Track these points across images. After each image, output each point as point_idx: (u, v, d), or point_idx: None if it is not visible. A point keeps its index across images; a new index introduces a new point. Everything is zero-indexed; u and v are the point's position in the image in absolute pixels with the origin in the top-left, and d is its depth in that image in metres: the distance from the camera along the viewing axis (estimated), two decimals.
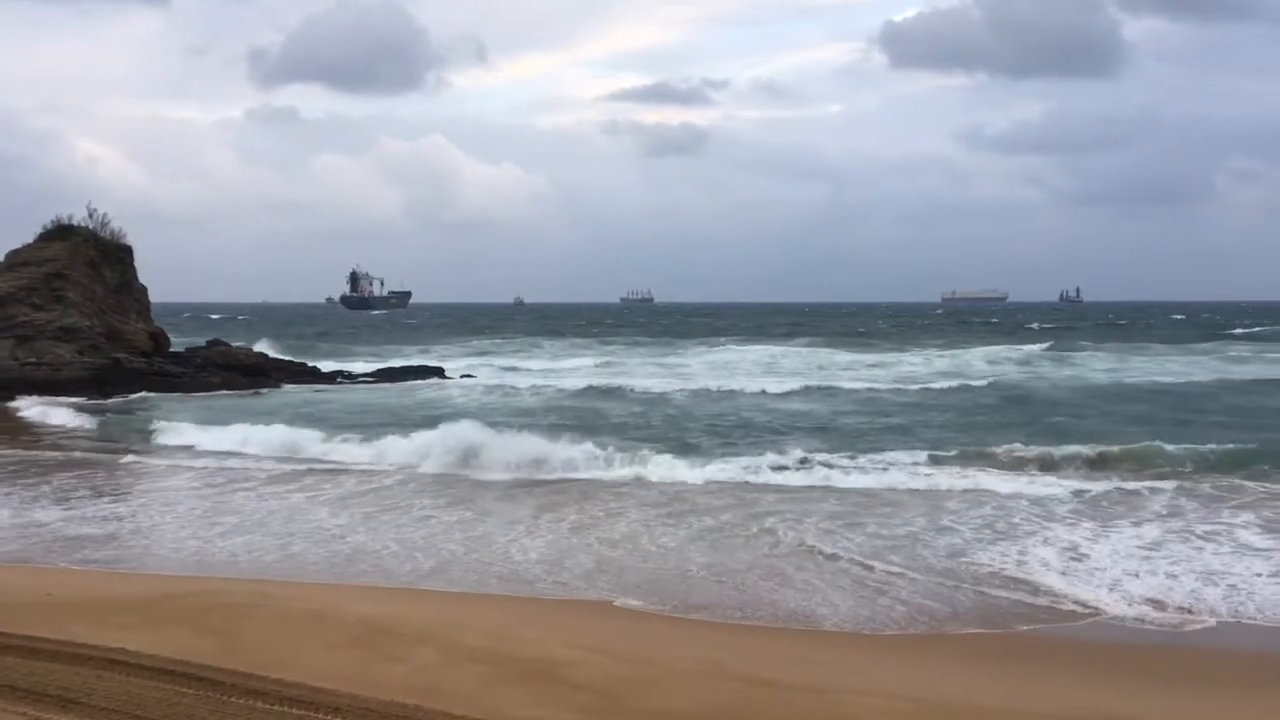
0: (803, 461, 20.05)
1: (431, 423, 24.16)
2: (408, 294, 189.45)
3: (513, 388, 37.06)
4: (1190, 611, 11.08)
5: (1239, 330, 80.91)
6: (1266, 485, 17.65)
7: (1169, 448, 20.48)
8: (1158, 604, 11.34)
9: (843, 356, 52.94)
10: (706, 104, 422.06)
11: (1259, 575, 12.32)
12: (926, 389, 35.46)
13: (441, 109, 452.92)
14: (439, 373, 43.10)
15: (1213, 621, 10.82)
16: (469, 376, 42.33)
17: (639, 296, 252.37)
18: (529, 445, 20.81)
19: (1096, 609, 11.29)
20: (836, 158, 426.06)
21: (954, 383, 37.54)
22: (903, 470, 19.36)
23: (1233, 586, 11.89)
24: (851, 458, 20.42)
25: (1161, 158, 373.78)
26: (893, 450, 21.40)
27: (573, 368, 47.38)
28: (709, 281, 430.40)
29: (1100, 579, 12.27)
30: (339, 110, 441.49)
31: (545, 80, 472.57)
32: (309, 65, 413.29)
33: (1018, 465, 19.84)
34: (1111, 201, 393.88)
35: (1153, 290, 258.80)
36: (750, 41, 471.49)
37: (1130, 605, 11.35)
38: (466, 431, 21.59)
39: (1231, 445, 20.90)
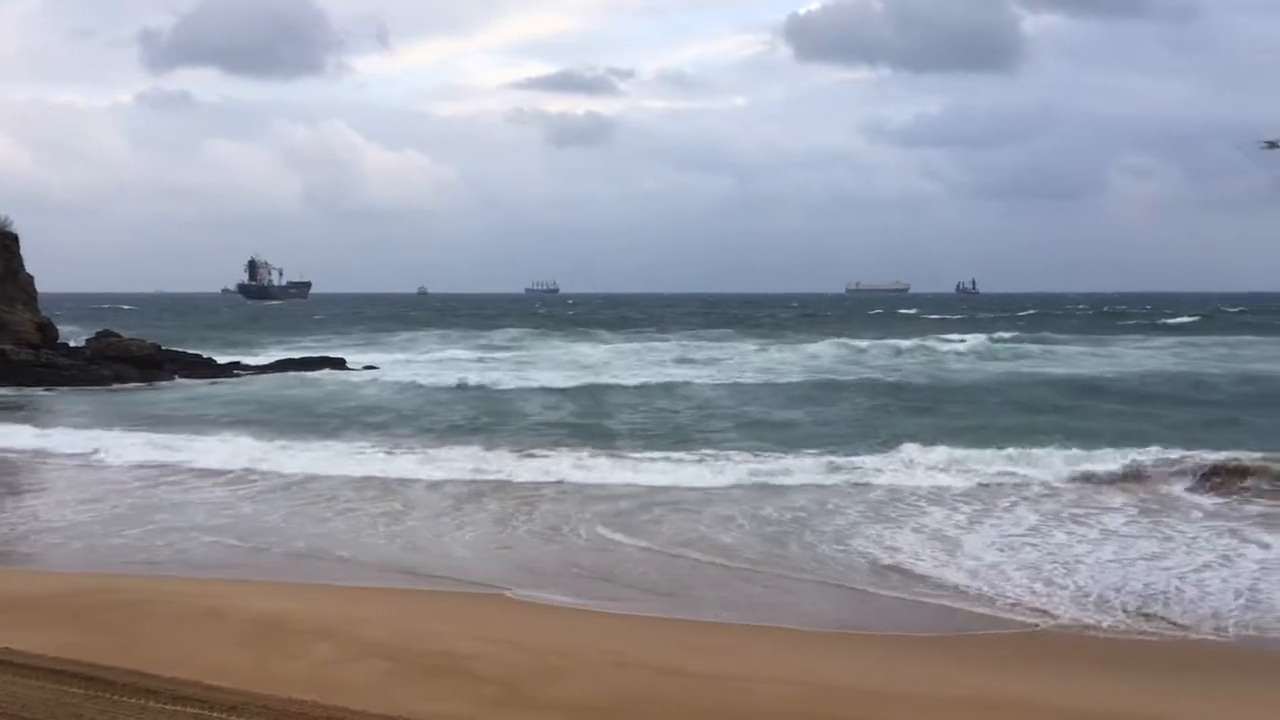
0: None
1: (319, 421, 23.77)
2: (308, 284, 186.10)
3: (413, 383, 36.27)
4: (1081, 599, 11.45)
5: (1171, 321, 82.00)
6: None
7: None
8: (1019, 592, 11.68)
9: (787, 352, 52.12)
10: (613, 94, 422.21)
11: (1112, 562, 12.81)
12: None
13: (342, 94, 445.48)
14: (340, 364, 42.49)
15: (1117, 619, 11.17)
16: (372, 368, 41.81)
17: (545, 287, 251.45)
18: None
19: (991, 599, 11.60)
20: (743, 149, 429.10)
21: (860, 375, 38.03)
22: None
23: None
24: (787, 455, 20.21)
25: (1057, 153, 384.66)
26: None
27: (469, 358, 46.91)
28: (615, 272, 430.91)
29: (974, 567, 12.56)
30: (235, 95, 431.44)
31: (448, 66, 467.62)
32: (203, 48, 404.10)
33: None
34: (1008, 195, 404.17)
35: (1045, 282, 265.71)
36: (656, 31, 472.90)
37: (1003, 593, 11.65)
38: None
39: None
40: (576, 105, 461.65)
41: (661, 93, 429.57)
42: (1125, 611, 10.89)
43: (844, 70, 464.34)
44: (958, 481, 17.55)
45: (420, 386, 33.60)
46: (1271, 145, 21.60)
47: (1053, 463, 18.50)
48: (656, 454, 20.20)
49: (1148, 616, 10.76)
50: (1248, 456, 18.02)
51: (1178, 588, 11.64)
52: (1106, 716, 7.91)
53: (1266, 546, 13.34)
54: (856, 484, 17.37)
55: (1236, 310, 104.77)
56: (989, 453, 19.24)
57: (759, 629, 10.55)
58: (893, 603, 11.47)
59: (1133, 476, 17.68)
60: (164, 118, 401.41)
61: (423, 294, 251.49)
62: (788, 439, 21.95)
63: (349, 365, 42.39)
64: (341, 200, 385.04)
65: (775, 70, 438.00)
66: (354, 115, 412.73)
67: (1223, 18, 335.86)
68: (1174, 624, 10.55)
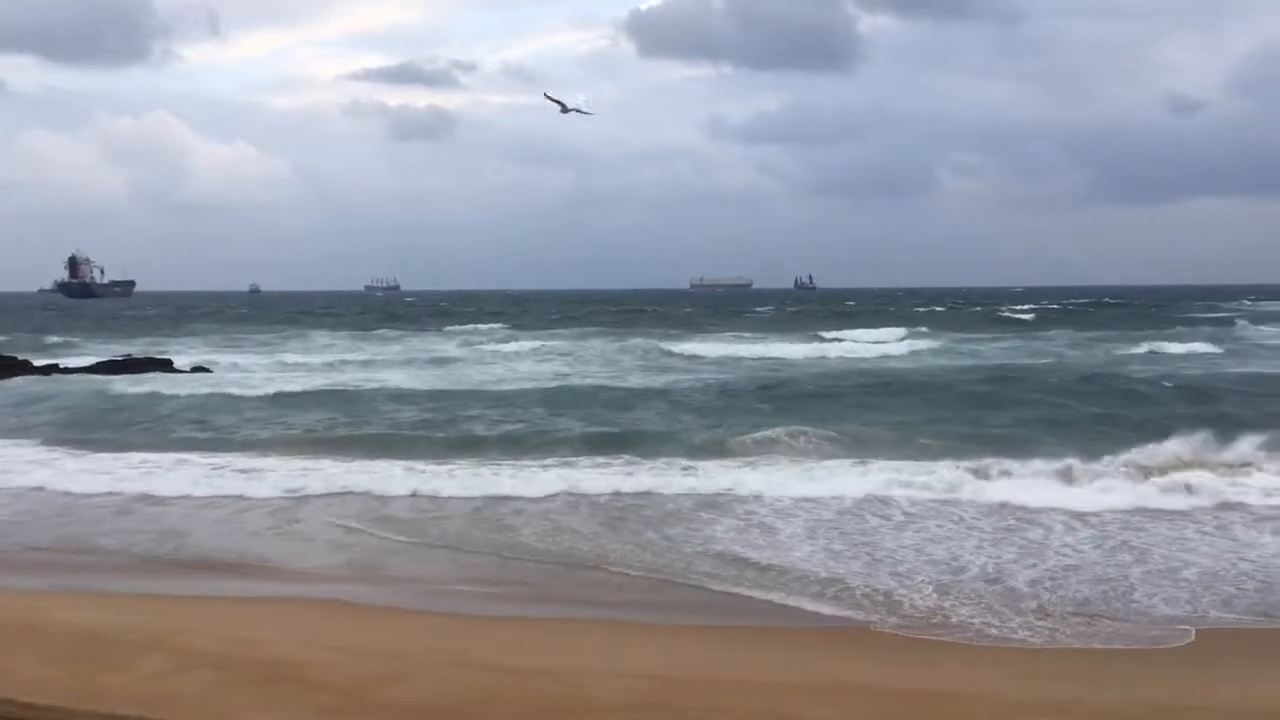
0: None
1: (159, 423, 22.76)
2: (132, 282, 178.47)
3: (244, 384, 34.88)
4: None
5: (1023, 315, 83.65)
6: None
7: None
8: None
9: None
10: (454, 87, 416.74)
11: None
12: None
13: (169, 84, 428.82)
14: (167, 365, 40.88)
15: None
16: (203, 370, 40.38)
17: (385, 284, 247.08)
18: None
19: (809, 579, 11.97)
20: (586, 144, 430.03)
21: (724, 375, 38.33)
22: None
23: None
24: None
25: (890, 151, 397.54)
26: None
27: (305, 362, 45.25)
28: (458, 268, 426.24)
29: (806, 560, 12.93)
30: (53, 83, 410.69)
31: (283, 57, 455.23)
32: (19, 34, 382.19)
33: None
34: (844, 192, 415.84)
35: (879, 277, 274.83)
36: (498, 25, 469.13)
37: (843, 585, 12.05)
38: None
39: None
40: (417, 98, 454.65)
41: (504, 86, 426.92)
42: (954, 599, 11.40)
43: (686, 67, 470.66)
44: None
45: (251, 389, 32.23)
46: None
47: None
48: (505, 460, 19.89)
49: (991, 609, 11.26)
50: None
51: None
52: (941, 697, 8.26)
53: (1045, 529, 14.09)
54: (707, 491, 17.09)
55: (1063, 304, 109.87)
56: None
57: (595, 623, 10.65)
58: (726, 595, 11.70)
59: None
60: None
61: (255, 292, 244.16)
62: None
63: (177, 367, 40.84)
64: (168, 194, 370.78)
65: (618, 66, 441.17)
66: (182, 106, 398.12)
67: (1048, 21, 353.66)
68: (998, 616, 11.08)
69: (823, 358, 43.34)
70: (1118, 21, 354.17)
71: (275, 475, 18.34)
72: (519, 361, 42.50)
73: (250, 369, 40.96)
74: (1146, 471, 17.14)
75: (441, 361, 42.94)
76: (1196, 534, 13.90)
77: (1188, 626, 10.40)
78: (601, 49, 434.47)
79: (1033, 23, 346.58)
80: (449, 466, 18.97)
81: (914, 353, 45.25)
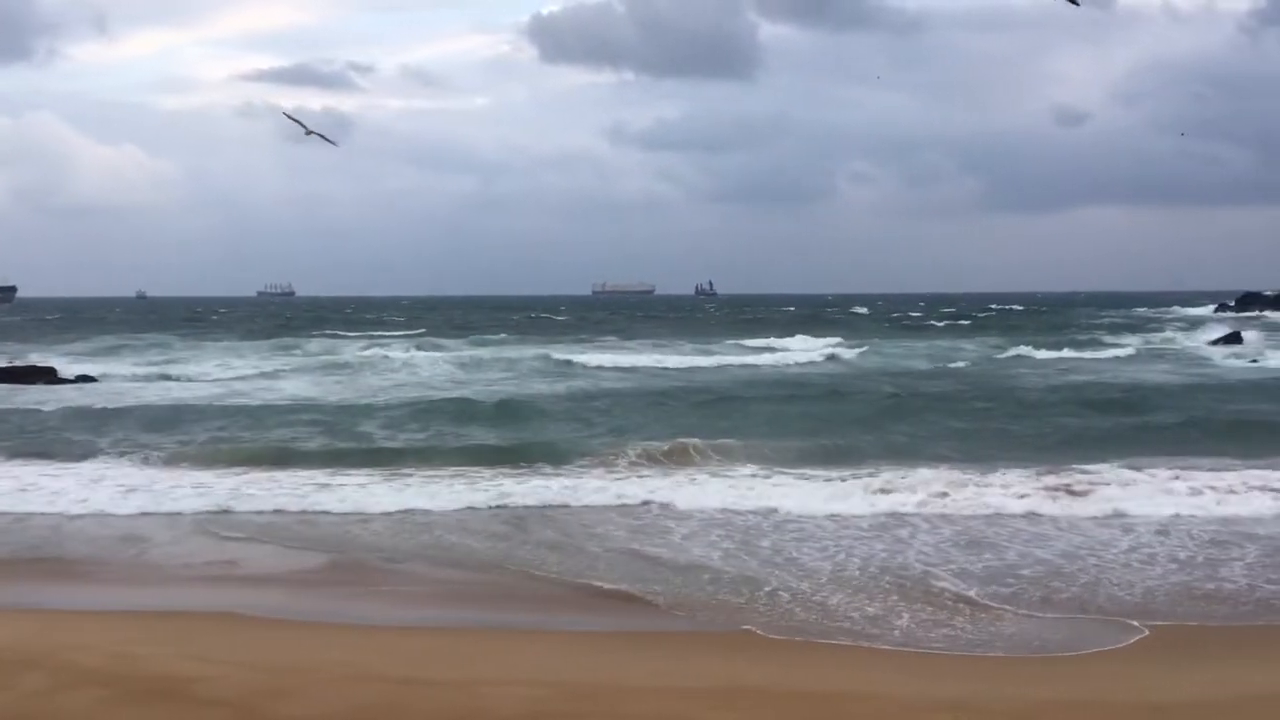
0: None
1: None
2: (13, 288, 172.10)
3: (133, 394, 33.61)
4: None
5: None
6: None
7: None
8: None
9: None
10: (351, 89, 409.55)
11: None
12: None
13: (53, 84, 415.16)
14: (51, 375, 39.51)
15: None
16: (88, 379, 39.11)
17: (279, 289, 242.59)
18: None
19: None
20: (487, 150, 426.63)
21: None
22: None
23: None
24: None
25: (789, 158, 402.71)
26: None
27: (196, 370, 43.58)
28: (357, 274, 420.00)
29: (703, 565, 13.11)
30: None
31: (172, 57, 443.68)
32: None
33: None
34: (744, 199, 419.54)
35: (778, 284, 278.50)
36: (396, 27, 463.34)
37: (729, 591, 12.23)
38: None
39: None
40: (312, 100, 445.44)
41: (403, 90, 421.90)
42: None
43: (589, 73, 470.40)
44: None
45: (139, 399, 31.24)
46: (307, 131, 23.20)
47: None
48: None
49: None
50: None
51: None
52: (832, 697, 8.43)
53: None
54: (610, 499, 17.03)
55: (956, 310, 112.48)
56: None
57: (497, 631, 10.62)
58: (623, 601, 11.77)
59: None
60: None
61: (142, 297, 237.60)
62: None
63: (61, 376, 39.50)
64: (50, 197, 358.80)
65: (519, 71, 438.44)
66: (66, 106, 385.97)
67: (942, 33, 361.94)
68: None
69: (729, 365, 43.31)
70: (1007, 34, 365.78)
71: (162, 486, 17.87)
72: (419, 369, 41.84)
73: (137, 378, 39.78)
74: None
75: (340, 369, 42.08)
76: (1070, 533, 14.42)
77: (1083, 621, 10.78)
78: (503, 54, 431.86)
79: (927, 34, 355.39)
80: (348, 477, 18.70)
81: (819, 360, 45.34)
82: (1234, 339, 53.53)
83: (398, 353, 49.04)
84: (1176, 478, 17.41)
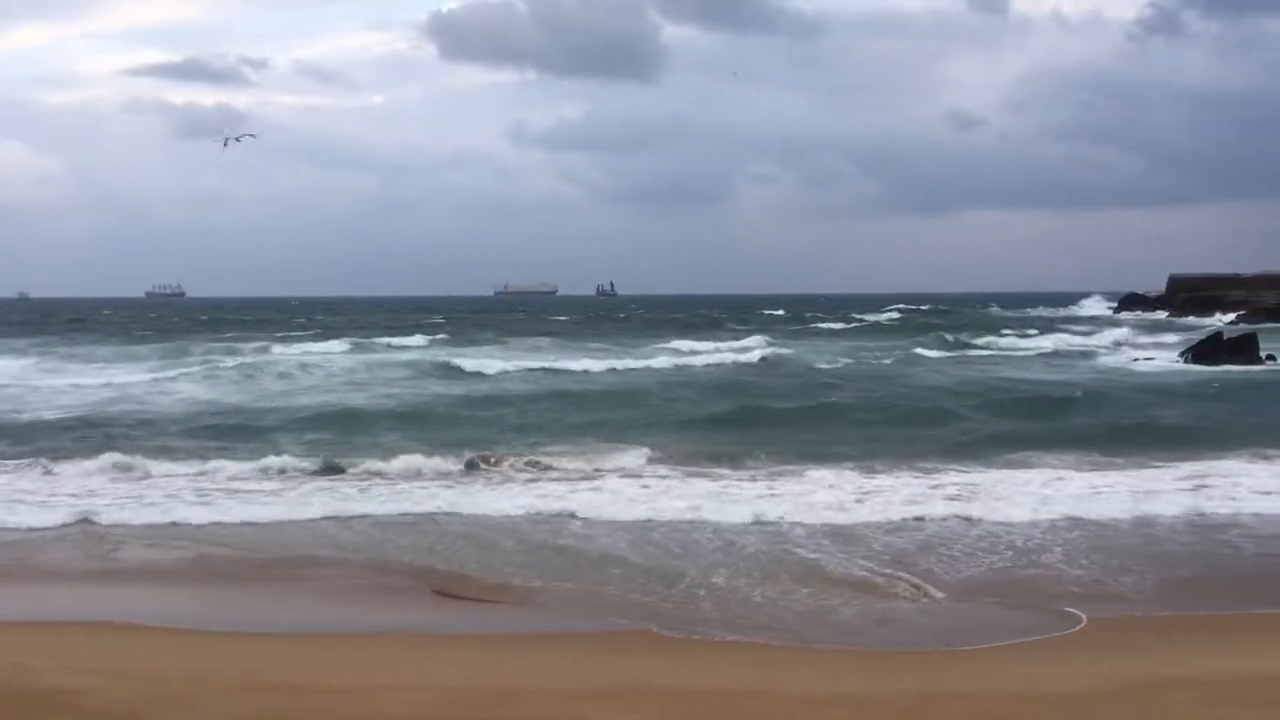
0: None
1: None
2: None
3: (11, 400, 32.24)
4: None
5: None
6: None
7: None
8: None
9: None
10: (245, 85, 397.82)
11: None
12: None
13: None
14: None
15: None
16: None
17: (168, 290, 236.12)
18: None
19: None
20: (386, 149, 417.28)
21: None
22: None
23: None
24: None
25: (692, 159, 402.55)
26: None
27: (78, 376, 41.51)
28: (251, 274, 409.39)
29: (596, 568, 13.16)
30: None
31: (55, 51, 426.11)
32: None
33: None
34: (646, 200, 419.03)
35: (680, 284, 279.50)
36: (291, 22, 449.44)
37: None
38: None
39: None
40: (204, 96, 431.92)
41: (298, 87, 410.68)
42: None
43: (490, 72, 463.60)
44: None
45: (25, 407, 29.90)
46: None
47: None
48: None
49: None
50: None
51: None
52: (732, 695, 8.52)
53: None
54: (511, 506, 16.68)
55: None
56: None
57: (395, 636, 10.50)
58: (522, 604, 11.76)
59: None
60: None
61: (23, 298, 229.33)
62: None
63: None
64: None
65: (418, 69, 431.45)
66: None
67: (840, 37, 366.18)
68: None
69: (632, 368, 41.61)
70: (903, 39, 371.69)
71: (47, 490, 17.42)
72: (312, 374, 40.03)
73: (14, 382, 38.05)
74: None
75: (231, 372, 40.69)
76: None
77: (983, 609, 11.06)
78: (401, 51, 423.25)
79: (826, 38, 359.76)
80: (242, 483, 18.31)
81: (727, 363, 44.07)
82: (1117, 339, 55.85)
83: (289, 355, 47.40)
84: (1059, 478, 18.19)
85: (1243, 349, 41.28)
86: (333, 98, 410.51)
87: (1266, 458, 19.73)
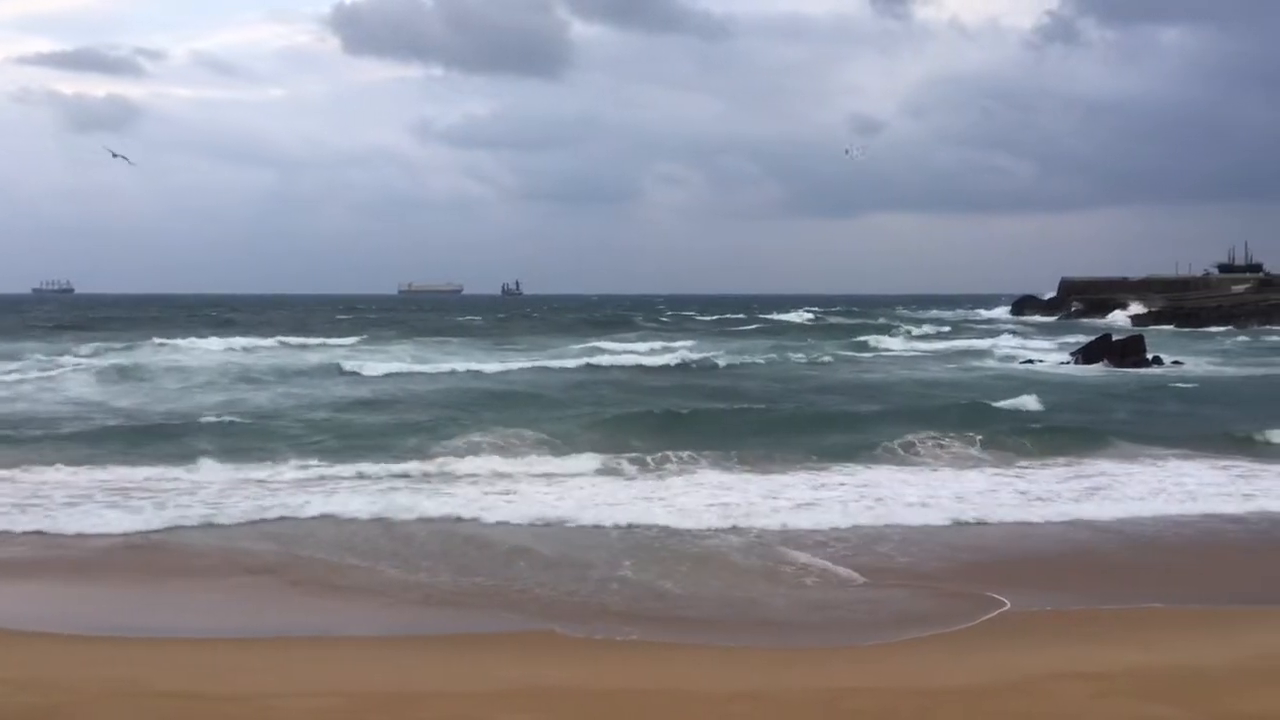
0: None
1: None
2: None
3: None
4: None
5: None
6: None
7: None
8: None
9: None
10: (139, 76, 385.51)
11: None
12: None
13: None
14: None
15: None
16: None
17: (57, 287, 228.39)
18: None
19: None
20: (286, 144, 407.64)
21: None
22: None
23: None
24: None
25: (599, 159, 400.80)
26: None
27: None
28: (143, 271, 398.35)
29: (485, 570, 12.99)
30: None
31: None
32: None
33: None
34: (552, 199, 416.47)
35: (586, 284, 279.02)
36: (188, 12, 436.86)
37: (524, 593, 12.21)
38: None
39: None
40: (97, 87, 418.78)
41: (195, 78, 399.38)
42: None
43: (395, 66, 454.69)
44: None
45: None
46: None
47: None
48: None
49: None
50: None
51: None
52: (633, 694, 8.52)
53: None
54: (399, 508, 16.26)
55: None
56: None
57: (285, 641, 10.29)
58: (421, 604, 11.64)
59: None
60: None
61: None
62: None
63: None
64: None
65: (320, 62, 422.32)
66: None
67: (747, 40, 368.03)
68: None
69: (547, 368, 40.71)
70: (809, 44, 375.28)
71: None
72: (193, 374, 37.23)
73: None
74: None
75: (109, 372, 38.88)
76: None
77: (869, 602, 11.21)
78: (303, 44, 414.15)
79: (733, 41, 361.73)
80: (124, 487, 17.64)
81: (647, 367, 42.33)
82: (1007, 341, 57.56)
83: (175, 357, 44.73)
84: (956, 477, 18.55)
85: (1130, 351, 42.68)
86: (231, 90, 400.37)
87: (1153, 458, 20.35)
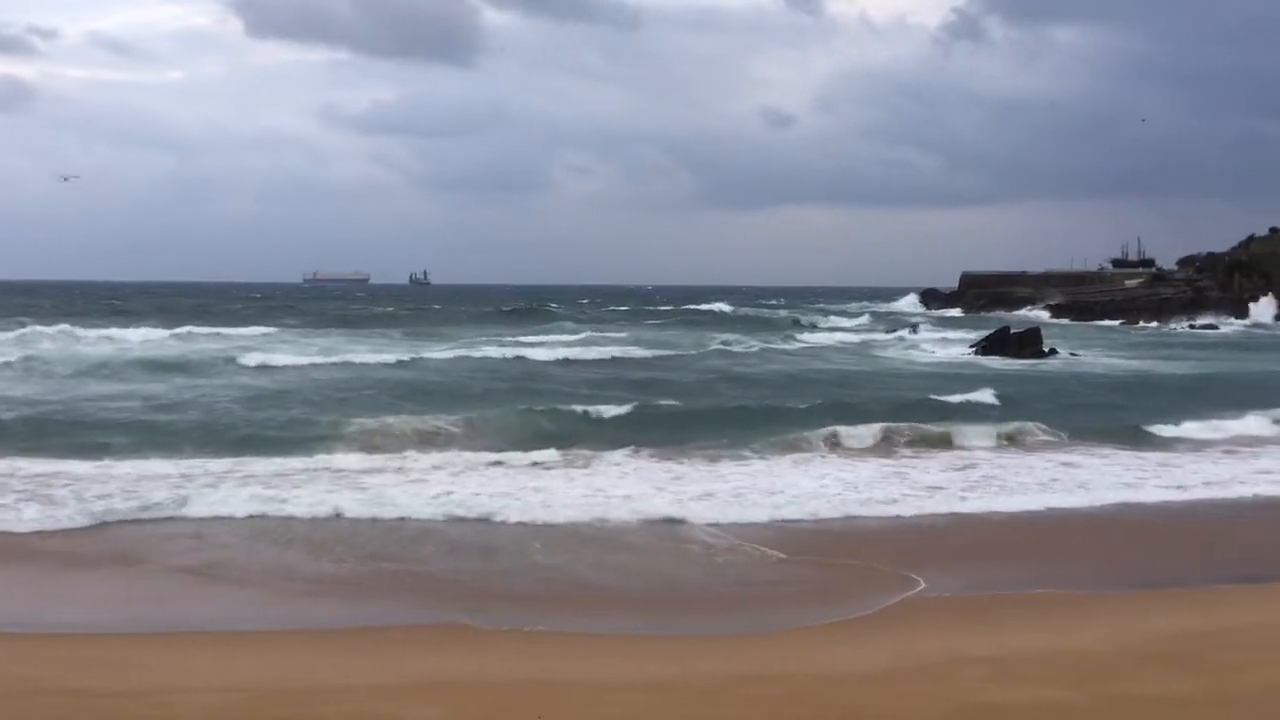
0: None
1: None
2: None
3: None
4: None
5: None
6: None
7: None
8: None
9: None
10: (32, 54, 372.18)
11: None
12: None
13: None
14: None
15: None
16: None
17: None
18: None
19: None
20: (187, 127, 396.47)
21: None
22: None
23: None
24: None
25: (509, 148, 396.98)
26: None
27: None
28: (34, 256, 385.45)
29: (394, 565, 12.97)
30: None
31: None
32: None
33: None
34: (461, 188, 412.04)
35: (495, 274, 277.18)
36: None
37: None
38: None
39: None
40: None
41: (90, 58, 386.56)
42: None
43: (300, 50, 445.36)
44: None
45: None
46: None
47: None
48: None
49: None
50: None
51: None
52: (539, 685, 8.47)
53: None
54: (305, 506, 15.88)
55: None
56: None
57: (181, 635, 10.06)
58: (323, 596, 11.50)
59: None
60: None
61: None
62: None
63: None
64: None
65: (221, 44, 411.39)
66: None
67: (659, 31, 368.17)
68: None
69: (461, 358, 39.67)
70: (720, 35, 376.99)
71: None
72: (89, 365, 34.43)
73: None
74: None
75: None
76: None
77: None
78: (203, 25, 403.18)
79: (644, 31, 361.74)
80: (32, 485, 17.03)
81: (561, 360, 40.66)
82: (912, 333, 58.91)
83: (66, 346, 42.18)
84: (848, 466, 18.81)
85: (1028, 343, 43.81)
86: (128, 72, 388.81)
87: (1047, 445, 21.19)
